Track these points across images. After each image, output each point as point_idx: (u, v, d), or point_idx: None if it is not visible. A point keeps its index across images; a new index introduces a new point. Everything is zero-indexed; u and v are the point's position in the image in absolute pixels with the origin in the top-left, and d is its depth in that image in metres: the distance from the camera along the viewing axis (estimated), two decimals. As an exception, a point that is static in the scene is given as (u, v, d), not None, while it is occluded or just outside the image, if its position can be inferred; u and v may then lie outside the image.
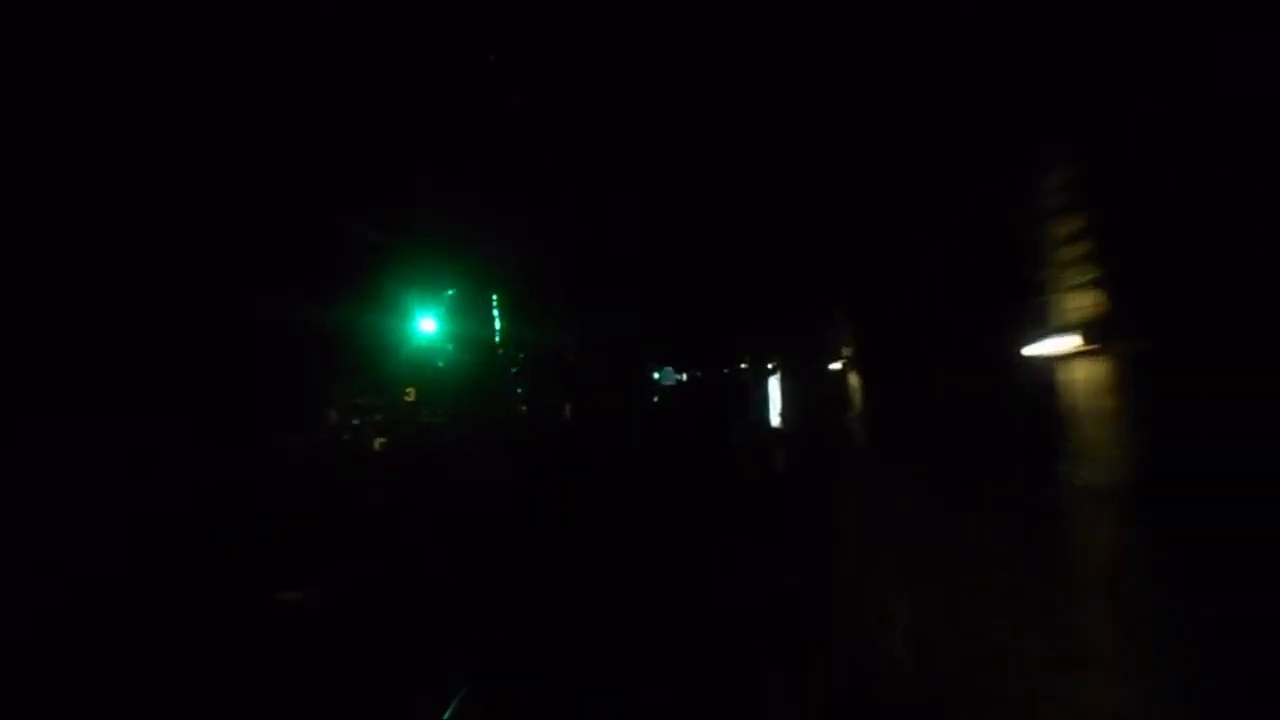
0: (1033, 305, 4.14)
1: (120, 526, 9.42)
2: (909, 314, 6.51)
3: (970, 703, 5.22)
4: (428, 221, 17.39)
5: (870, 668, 7.17)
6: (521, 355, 26.55)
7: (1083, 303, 3.74)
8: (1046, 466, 4.08)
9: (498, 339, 21.97)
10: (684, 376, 42.59)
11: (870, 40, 6.25)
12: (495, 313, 21.87)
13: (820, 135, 7.97)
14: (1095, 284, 3.64)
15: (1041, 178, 4.06)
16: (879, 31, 6.06)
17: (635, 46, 9.80)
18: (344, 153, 13.01)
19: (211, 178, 11.01)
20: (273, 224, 12.61)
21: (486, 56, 11.29)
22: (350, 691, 7.33)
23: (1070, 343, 3.82)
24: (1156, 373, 3.30)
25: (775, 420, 18.23)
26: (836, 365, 9.63)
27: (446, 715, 6.92)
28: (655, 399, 39.69)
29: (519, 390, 26.74)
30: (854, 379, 8.65)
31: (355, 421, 16.56)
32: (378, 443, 17.54)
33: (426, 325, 19.13)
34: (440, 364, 19.30)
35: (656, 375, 39.69)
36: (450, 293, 19.19)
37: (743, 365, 26.14)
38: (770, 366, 18.77)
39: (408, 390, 18.71)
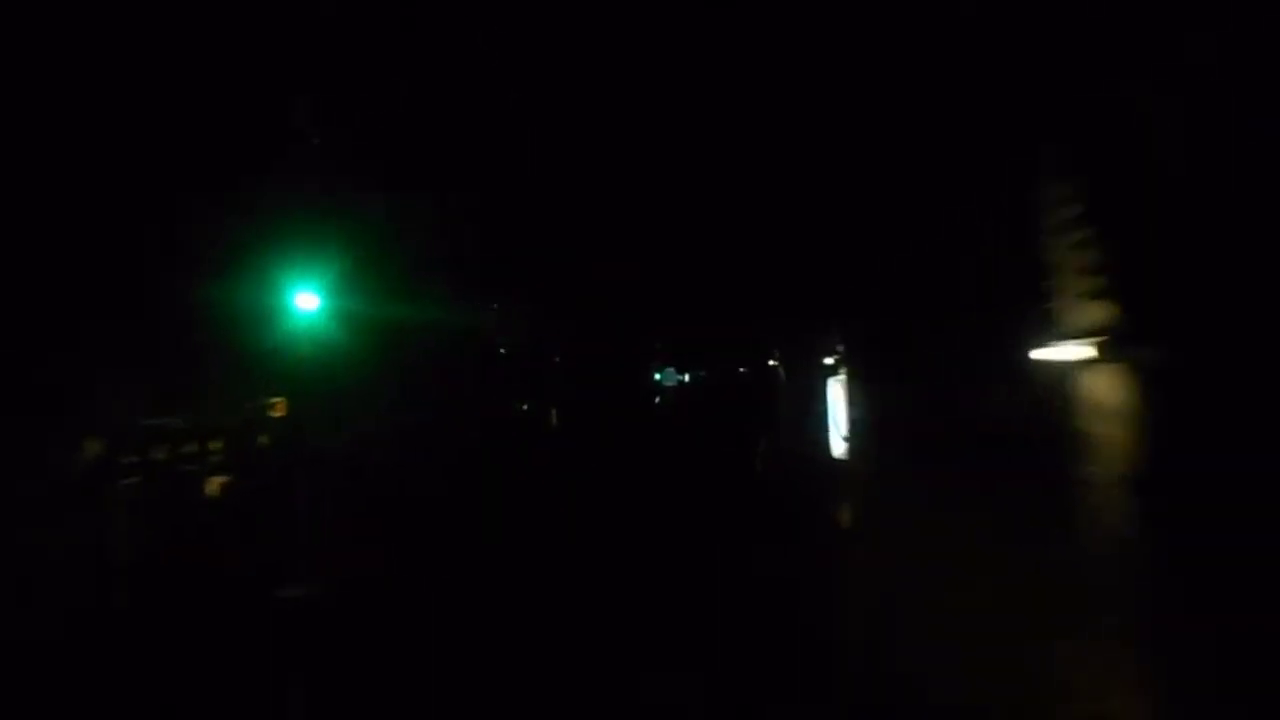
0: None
1: None
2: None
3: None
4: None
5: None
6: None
7: (1088, 309, 3.98)
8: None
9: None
10: (685, 377, 39.95)
11: (870, 40, 6.30)
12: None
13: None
14: (1101, 293, 3.87)
15: (1043, 180, 4.24)
16: (879, 31, 6.10)
17: (636, 46, 9.25)
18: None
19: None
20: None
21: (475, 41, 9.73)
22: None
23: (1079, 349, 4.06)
24: (1156, 374, 3.62)
25: (838, 441, 11.73)
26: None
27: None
28: (657, 399, 36.81)
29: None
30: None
31: (159, 457, 9.93)
32: (214, 484, 11.07)
33: (306, 301, 12.56)
34: (328, 355, 12.53)
35: (658, 376, 37.16)
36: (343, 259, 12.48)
37: (771, 361, 19.75)
38: (829, 362, 12.20)
39: (271, 401, 12.13)
